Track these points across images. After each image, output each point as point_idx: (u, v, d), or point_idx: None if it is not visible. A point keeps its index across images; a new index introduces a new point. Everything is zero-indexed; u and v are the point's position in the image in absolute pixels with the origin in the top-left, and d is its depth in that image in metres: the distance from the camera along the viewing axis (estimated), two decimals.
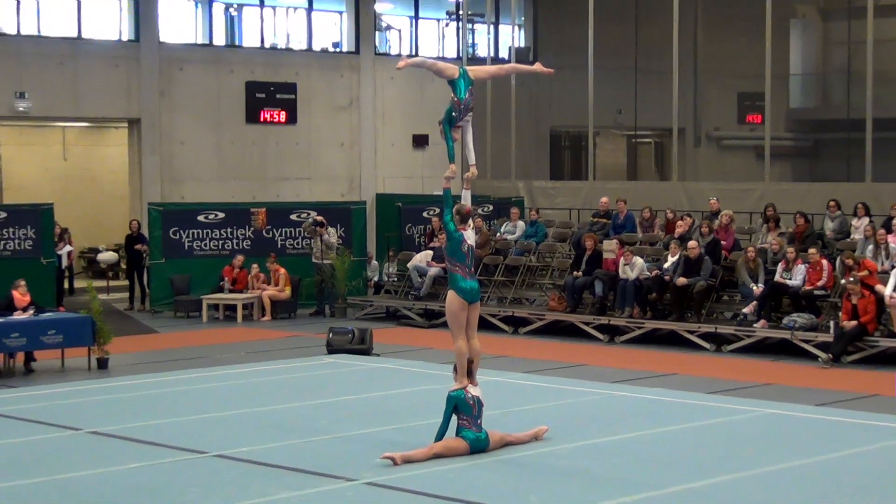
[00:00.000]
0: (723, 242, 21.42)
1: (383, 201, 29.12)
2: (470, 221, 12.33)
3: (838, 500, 10.46)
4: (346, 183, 32.61)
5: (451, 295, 12.19)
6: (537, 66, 13.74)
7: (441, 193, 12.50)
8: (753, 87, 32.67)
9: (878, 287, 18.45)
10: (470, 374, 12.08)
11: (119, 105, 29.40)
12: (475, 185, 29.11)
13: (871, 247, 19.78)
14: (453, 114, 12.38)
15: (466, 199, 12.41)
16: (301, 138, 31.78)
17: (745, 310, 19.97)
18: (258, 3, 31.91)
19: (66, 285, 26.98)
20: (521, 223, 25.13)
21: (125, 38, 29.70)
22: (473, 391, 11.99)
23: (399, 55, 34.04)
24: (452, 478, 11.01)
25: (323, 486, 10.74)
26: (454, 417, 11.91)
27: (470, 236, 12.23)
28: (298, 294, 25.09)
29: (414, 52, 34.17)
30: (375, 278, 26.84)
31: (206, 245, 25.74)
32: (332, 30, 33.63)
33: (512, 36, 33.86)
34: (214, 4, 31.46)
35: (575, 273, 22.03)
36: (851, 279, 18.43)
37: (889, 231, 20.03)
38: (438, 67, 12.82)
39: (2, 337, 17.25)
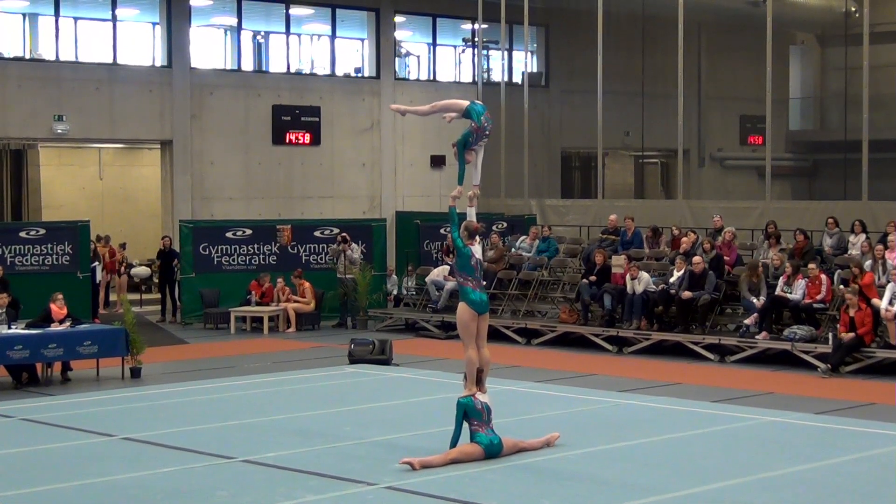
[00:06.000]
0: (726, 258, 21.38)
1: (403, 219, 29.11)
2: (477, 237, 12.29)
3: None
4: (367, 201, 32.61)
5: (461, 306, 12.16)
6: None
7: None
8: (755, 110, 32.66)
9: (875, 300, 18.40)
10: (479, 382, 12.04)
11: (152, 127, 29.46)
12: (490, 204, 29.49)
13: (869, 262, 19.71)
14: (470, 138, 12.39)
15: (472, 216, 12.37)
16: (324, 159, 31.80)
17: (748, 322, 19.91)
18: (284, 30, 31.97)
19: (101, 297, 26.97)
20: (537, 241, 25.07)
21: (158, 64, 29.79)
22: (482, 398, 11.96)
23: (418, 79, 34.15)
24: (468, 482, 10.97)
25: (345, 490, 10.71)
26: (467, 424, 11.87)
27: (477, 251, 12.20)
28: (322, 307, 25.08)
29: (432, 77, 34.29)
30: (395, 292, 26.80)
31: (234, 260, 25.79)
32: (354, 56, 33.69)
33: (525, 62, 33.87)
34: (243, 32, 31.53)
35: (589, 279, 21.90)
36: (849, 290, 18.42)
37: (885, 247, 19.94)
38: (446, 105, 12.82)
39: (40, 348, 17.23)
